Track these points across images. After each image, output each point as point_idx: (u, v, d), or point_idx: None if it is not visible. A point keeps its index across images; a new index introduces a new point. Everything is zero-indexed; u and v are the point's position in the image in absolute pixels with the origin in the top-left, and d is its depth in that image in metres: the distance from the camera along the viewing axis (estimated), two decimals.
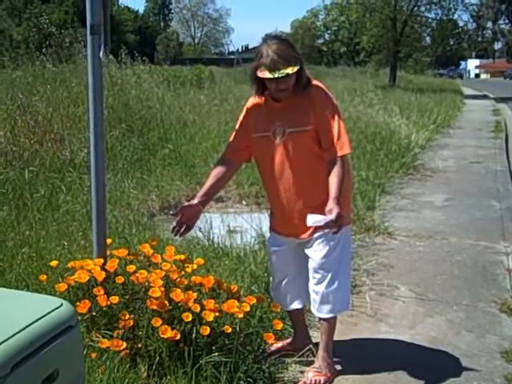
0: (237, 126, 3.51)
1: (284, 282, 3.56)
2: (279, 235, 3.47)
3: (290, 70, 3.08)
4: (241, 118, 3.49)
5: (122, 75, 11.36)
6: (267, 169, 3.35)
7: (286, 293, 3.58)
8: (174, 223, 3.38)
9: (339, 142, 3.17)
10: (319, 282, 3.36)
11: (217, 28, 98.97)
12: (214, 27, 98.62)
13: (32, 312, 2.02)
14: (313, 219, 3.01)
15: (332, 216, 2.96)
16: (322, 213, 3.08)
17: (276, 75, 3.07)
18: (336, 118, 3.21)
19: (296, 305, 3.61)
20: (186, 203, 3.46)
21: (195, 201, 3.40)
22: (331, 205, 3.03)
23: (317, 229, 3.17)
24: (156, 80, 13.92)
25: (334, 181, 3.12)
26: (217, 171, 3.51)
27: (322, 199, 3.18)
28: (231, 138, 3.53)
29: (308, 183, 3.27)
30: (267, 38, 3.23)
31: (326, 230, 3.15)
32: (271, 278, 3.68)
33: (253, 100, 3.44)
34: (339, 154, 3.16)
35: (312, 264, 3.37)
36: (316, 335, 3.69)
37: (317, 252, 3.33)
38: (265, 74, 3.10)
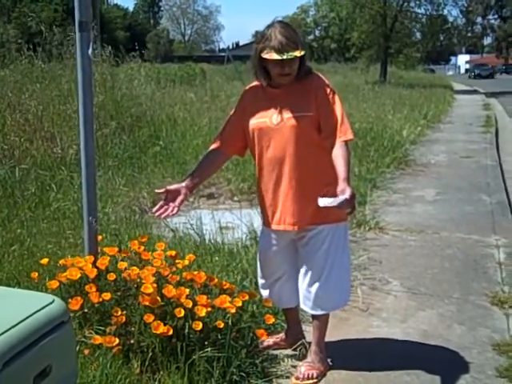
0: (231, 113, 3.45)
1: (277, 282, 3.52)
2: (272, 231, 3.40)
3: (297, 53, 3.06)
4: (236, 105, 3.45)
5: (112, 72, 11.32)
6: (263, 155, 3.28)
7: (280, 292, 3.55)
8: (156, 208, 3.25)
9: (342, 128, 3.14)
10: (313, 281, 3.33)
11: (207, 25, 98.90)
12: (204, 24, 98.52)
13: (24, 309, 2.03)
14: (325, 201, 2.91)
15: (346, 195, 2.86)
16: (315, 204, 3.09)
17: (284, 57, 3.04)
18: (338, 104, 3.20)
19: (290, 304, 3.60)
20: (173, 185, 3.30)
21: (182, 184, 3.29)
22: (343, 185, 2.92)
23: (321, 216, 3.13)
24: (146, 78, 13.90)
25: (341, 163, 3.04)
26: (208, 157, 3.44)
27: (317, 187, 3.17)
28: (224, 126, 3.47)
29: (305, 170, 3.21)
30: (273, 22, 3.18)
31: (320, 228, 3.14)
32: (259, 277, 3.63)
33: (250, 87, 3.42)
34: (344, 138, 3.12)
35: (305, 261, 3.35)
36: (309, 329, 3.69)
37: (310, 249, 3.31)
38: (272, 55, 3.05)
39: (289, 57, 3.05)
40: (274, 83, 3.25)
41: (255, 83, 3.38)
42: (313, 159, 3.20)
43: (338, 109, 3.19)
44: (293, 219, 3.26)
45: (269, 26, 3.14)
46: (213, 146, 3.45)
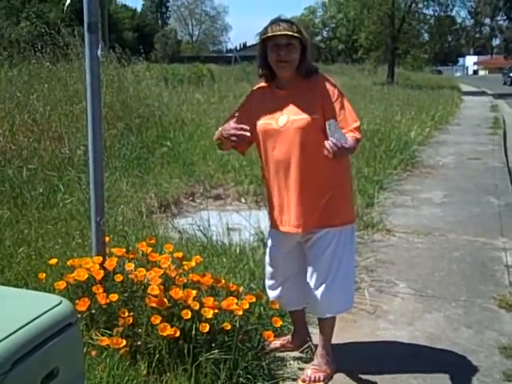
0: (237, 108, 3.45)
1: (285, 284, 3.53)
2: (279, 233, 3.40)
3: (291, 32, 3.09)
4: (243, 102, 3.46)
5: (120, 73, 11.35)
6: (269, 157, 3.28)
7: (287, 295, 3.55)
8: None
9: (354, 129, 3.14)
10: (319, 284, 3.32)
11: (214, 25, 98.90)
12: (211, 25, 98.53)
13: (31, 310, 2.03)
14: (333, 125, 2.93)
15: (346, 140, 2.91)
16: (324, 205, 3.17)
17: (277, 33, 3.08)
18: (347, 106, 3.21)
19: (297, 306, 3.61)
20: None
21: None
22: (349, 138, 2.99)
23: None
24: (154, 78, 13.92)
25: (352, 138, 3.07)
26: None
27: (322, 190, 3.20)
28: (230, 116, 3.42)
29: (310, 173, 3.20)
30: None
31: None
32: (267, 279, 3.62)
33: (257, 88, 3.43)
34: (355, 136, 3.12)
35: (311, 264, 3.35)
36: (315, 332, 3.69)
37: (316, 252, 3.31)
38: (266, 35, 3.13)
39: (278, 32, 3.08)
40: (279, 83, 3.27)
41: (262, 84, 3.40)
42: (318, 162, 3.19)
43: (347, 110, 3.20)
44: (298, 222, 3.26)
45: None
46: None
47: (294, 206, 3.25)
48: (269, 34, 3.12)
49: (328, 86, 3.24)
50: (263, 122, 3.27)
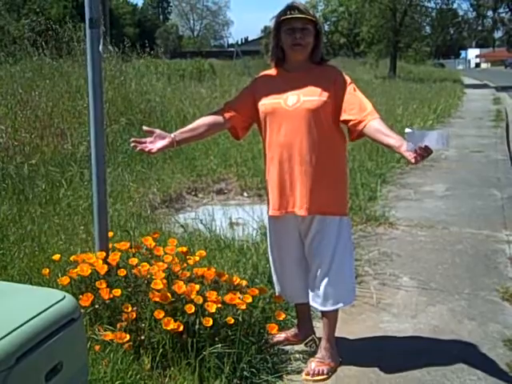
0: (241, 91, 3.48)
1: (288, 276, 3.53)
2: (279, 221, 3.37)
3: (308, 16, 3.14)
4: (249, 85, 3.46)
5: (122, 69, 11.35)
6: (274, 137, 3.24)
7: (292, 288, 3.56)
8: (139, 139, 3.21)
9: (371, 112, 3.12)
10: (321, 276, 3.32)
11: (216, 20, 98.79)
12: (213, 20, 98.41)
13: (35, 305, 2.04)
14: (412, 135, 2.76)
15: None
16: (325, 191, 3.16)
17: (295, 15, 3.11)
18: (359, 93, 3.21)
19: (302, 299, 3.59)
20: (162, 132, 3.25)
21: (172, 134, 3.25)
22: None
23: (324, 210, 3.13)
24: (156, 73, 13.92)
25: (388, 131, 3.04)
26: (208, 118, 3.38)
27: (326, 173, 3.20)
28: (234, 99, 3.46)
29: (317, 154, 3.18)
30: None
31: None
32: (273, 272, 3.63)
33: (265, 72, 3.44)
34: (377, 116, 3.11)
35: (313, 259, 3.35)
36: (319, 325, 3.69)
37: (317, 245, 3.30)
38: (283, 17, 3.15)
39: (298, 15, 3.11)
40: (290, 66, 3.27)
41: (270, 71, 3.41)
42: (324, 146, 3.18)
43: (361, 96, 3.20)
44: (301, 203, 3.23)
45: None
46: (219, 110, 3.42)
47: (299, 189, 3.22)
48: (287, 16, 3.13)
49: (340, 74, 3.26)
50: (270, 102, 3.24)
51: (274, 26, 3.24)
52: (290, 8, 3.16)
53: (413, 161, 2.82)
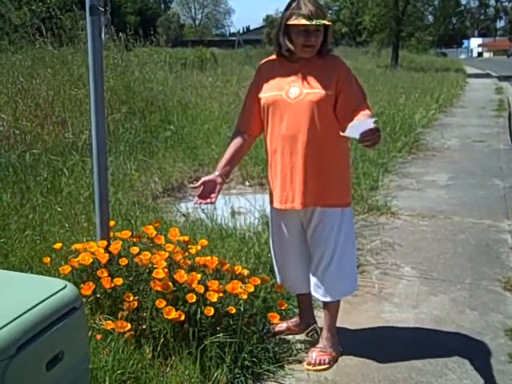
0: (248, 92, 3.42)
1: (291, 268, 3.52)
2: (281, 213, 3.36)
3: (326, 21, 3.09)
4: (252, 83, 3.40)
5: (124, 57, 11.31)
6: (276, 130, 3.23)
7: (294, 278, 3.55)
8: (196, 197, 3.30)
9: (364, 107, 3.12)
10: (322, 267, 3.32)
11: (217, 9, 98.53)
12: (214, 8, 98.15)
13: (36, 294, 2.04)
14: (348, 131, 2.82)
15: (370, 124, 2.79)
16: (327, 183, 3.15)
17: (314, 22, 3.04)
18: (361, 89, 3.22)
19: (304, 289, 3.57)
20: (207, 177, 3.34)
21: (216, 173, 3.32)
22: (367, 116, 2.95)
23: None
24: (158, 62, 13.89)
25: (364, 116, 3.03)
26: (233, 143, 3.40)
27: (329, 165, 3.19)
28: (243, 107, 3.45)
29: (319, 147, 3.17)
30: None
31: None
32: (274, 262, 3.62)
33: (266, 61, 3.40)
34: (368, 112, 3.08)
35: (315, 249, 3.34)
36: (320, 315, 3.69)
37: (319, 236, 3.29)
38: (301, 21, 3.06)
39: (318, 23, 3.05)
40: (293, 57, 3.22)
41: (272, 57, 3.36)
42: (327, 138, 3.16)
43: (360, 91, 3.20)
44: (302, 198, 3.22)
45: None
46: (237, 129, 3.44)
47: (299, 183, 3.21)
48: (306, 23, 3.05)
49: (341, 65, 3.24)
50: (272, 94, 3.22)
51: (285, 20, 3.15)
52: (304, 5, 3.07)
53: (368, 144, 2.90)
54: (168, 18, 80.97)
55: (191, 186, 3.49)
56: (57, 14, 11.10)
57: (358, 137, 2.79)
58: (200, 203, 3.30)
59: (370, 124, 2.78)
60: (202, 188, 3.27)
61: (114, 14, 12.59)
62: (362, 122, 2.86)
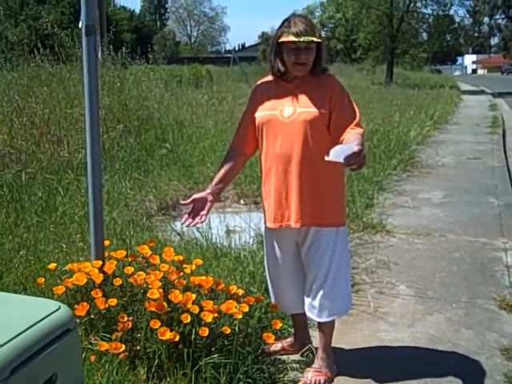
0: (245, 110, 3.44)
1: (286, 288, 3.51)
2: (275, 232, 3.36)
3: (315, 39, 3.10)
4: (248, 101, 3.43)
5: (121, 75, 11.33)
6: (270, 149, 3.23)
7: (289, 298, 3.54)
8: (185, 216, 3.31)
9: (355, 125, 3.10)
10: (317, 286, 3.31)
11: (213, 26, 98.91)
12: (210, 26, 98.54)
13: (30, 315, 2.02)
14: (332, 155, 2.79)
15: (354, 147, 2.75)
16: (321, 203, 3.15)
17: (302, 39, 3.07)
18: (354, 106, 3.21)
19: (298, 309, 3.56)
20: (198, 194, 3.36)
21: (207, 190, 3.33)
22: (352, 139, 2.88)
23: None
24: (155, 80, 13.92)
25: (354, 135, 2.98)
26: (226, 161, 3.42)
27: (323, 185, 3.19)
28: (239, 124, 3.46)
29: (313, 166, 3.17)
30: (292, 15, 3.25)
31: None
32: (269, 282, 3.61)
33: (262, 81, 3.42)
34: (360, 131, 3.05)
35: (309, 269, 3.33)
36: (316, 334, 3.68)
37: (313, 255, 3.29)
38: (290, 38, 3.09)
39: (306, 39, 3.07)
40: (287, 77, 3.24)
41: (268, 78, 3.39)
42: (321, 157, 3.15)
43: (354, 110, 3.19)
44: (297, 216, 3.22)
45: (288, 17, 3.21)
46: (231, 148, 3.46)
47: (295, 201, 3.21)
48: (293, 39, 3.09)
49: (335, 83, 3.25)
50: (266, 113, 3.24)
51: (276, 39, 3.20)
52: (294, 24, 3.11)
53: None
54: (164, 36, 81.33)
55: (182, 202, 3.49)
56: (55, 31, 11.12)
57: (342, 161, 2.79)
58: (188, 224, 3.30)
59: (352, 148, 2.77)
60: (192, 205, 3.28)
61: (110, 32, 12.59)
62: (344, 146, 2.86)
